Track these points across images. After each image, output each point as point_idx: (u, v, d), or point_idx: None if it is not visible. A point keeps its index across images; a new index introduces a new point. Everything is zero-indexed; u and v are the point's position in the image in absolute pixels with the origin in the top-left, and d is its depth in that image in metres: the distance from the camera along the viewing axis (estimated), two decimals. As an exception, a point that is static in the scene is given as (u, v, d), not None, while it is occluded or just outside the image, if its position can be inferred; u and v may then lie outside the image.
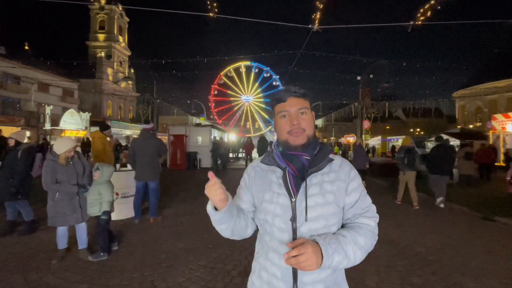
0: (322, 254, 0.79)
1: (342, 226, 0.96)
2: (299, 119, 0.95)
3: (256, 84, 30.78)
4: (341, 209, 0.94)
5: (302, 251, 0.77)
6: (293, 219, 0.90)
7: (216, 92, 29.01)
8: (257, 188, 1.01)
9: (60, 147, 3.06)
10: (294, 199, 0.91)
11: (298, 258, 0.77)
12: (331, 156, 0.98)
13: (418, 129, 49.40)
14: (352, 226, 0.93)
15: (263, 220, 0.96)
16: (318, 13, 6.71)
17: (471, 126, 30.58)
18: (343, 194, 0.94)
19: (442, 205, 6.11)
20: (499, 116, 16.87)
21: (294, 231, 0.89)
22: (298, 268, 0.79)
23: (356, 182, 0.97)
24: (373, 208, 0.98)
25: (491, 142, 15.77)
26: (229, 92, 30.58)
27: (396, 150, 23.31)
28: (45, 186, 3.05)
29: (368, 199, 0.99)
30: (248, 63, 28.59)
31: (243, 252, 3.34)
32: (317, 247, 0.79)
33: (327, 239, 0.83)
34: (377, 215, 0.98)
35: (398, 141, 25.09)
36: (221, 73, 28.55)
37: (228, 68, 28.42)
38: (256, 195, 1.01)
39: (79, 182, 3.20)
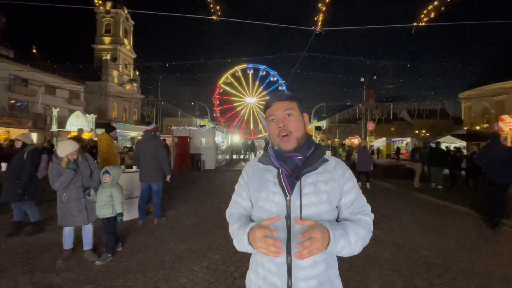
0: (329, 238, 0.83)
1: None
2: (285, 121, 0.99)
3: (256, 84, 30.82)
4: (334, 208, 0.98)
5: (312, 235, 0.80)
6: (288, 217, 0.93)
7: (218, 102, 29.18)
8: (254, 186, 1.05)
9: (62, 150, 3.06)
10: (289, 198, 0.94)
11: (308, 242, 0.79)
12: (326, 156, 1.02)
13: (424, 131, 48.90)
14: (352, 220, 0.97)
15: (259, 217, 0.99)
16: (321, 15, 6.71)
17: (477, 127, 30.17)
18: (337, 194, 0.98)
19: (439, 187, 8.11)
20: (506, 117, 16.62)
21: (289, 228, 0.93)
22: (306, 253, 0.80)
23: (352, 182, 1.01)
24: (369, 207, 1.03)
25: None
26: (231, 98, 30.72)
27: (401, 151, 23.13)
28: (53, 187, 3.11)
29: (364, 199, 1.03)
30: (243, 66, 28.64)
31: (245, 253, 3.31)
32: (325, 231, 0.83)
33: (334, 224, 0.88)
34: (373, 214, 1.02)
35: (402, 142, 24.88)
36: (219, 82, 28.65)
37: (225, 75, 28.53)
38: (253, 193, 1.05)
39: (84, 184, 3.22)
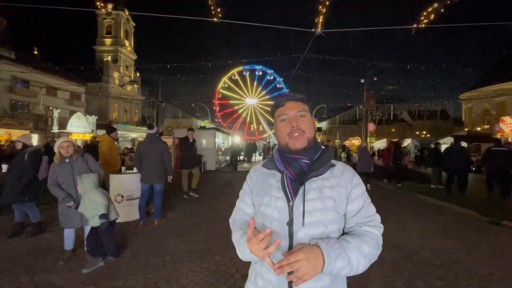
0: (324, 259, 0.76)
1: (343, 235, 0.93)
2: (298, 121, 0.95)
3: (255, 85, 30.88)
4: (341, 216, 0.91)
5: (291, 260, 0.74)
6: (290, 223, 0.88)
7: (219, 108, 29.27)
8: (257, 191, 1.01)
9: (55, 145, 3.11)
10: (292, 203, 0.89)
11: (292, 266, 0.73)
12: (333, 161, 0.97)
13: (424, 132, 48.85)
14: (356, 233, 0.89)
15: (260, 224, 0.94)
16: (321, 17, 6.73)
17: (478, 128, 30.13)
18: (344, 201, 0.92)
19: (439, 187, 8.26)
20: (507, 119, 16.65)
21: (291, 236, 0.87)
22: (295, 277, 0.74)
23: (359, 189, 0.94)
24: (378, 217, 0.94)
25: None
26: (231, 102, 30.80)
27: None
28: (48, 187, 3.12)
29: (373, 208, 0.95)
30: (240, 68, 28.69)
31: (246, 255, 3.32)
32: (317, 252, 0.76)
33: (330, 243, 0.80)
34: (382, 226, 0.94)
35: (403, 144, 24.81)
36: (218, 88, 28.69)
37: (223, 79, 28.58)
38: (256, 199, 1.01)
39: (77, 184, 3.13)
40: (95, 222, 2.97)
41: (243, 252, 0.90)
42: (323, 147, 1.01)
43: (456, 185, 7.42)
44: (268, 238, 0.78)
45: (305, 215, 0.87)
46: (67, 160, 3.11)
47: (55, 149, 3.08)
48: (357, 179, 0.96)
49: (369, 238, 0.87)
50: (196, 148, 7.21)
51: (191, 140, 6.85)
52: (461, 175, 7.35)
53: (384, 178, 9.70)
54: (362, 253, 0.82)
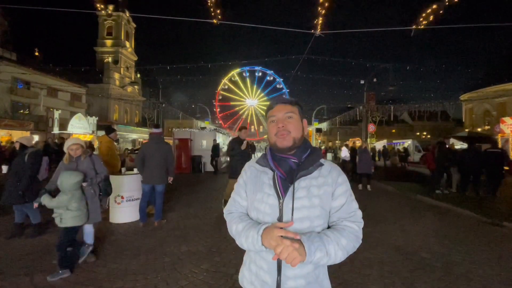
0: (305, 251, 0.84)
1: (328, 227, 1.01)
2: (285, 122, 1.02)
3: (255, 86, 30.96)
4: (327, 212, 1.00)
5: (280, 244, 0.83)
6: (280, 219, 0.96)
7: (220, 109, 29.33)
8: (251, 187, 1.08)
9: (65, 145, 3.19)
10: (282, 201, 0.97)
11: (281, 254, 0.82)
12: (321, 161, 1.04)
13: (425, 133, 48.82)
14: (336, 228, 0.98)
15: (255, 218, 1.03)
16: (321, 18, 6.75)
17: (479, 129, 30.09)
18: (330, 199, 0.99)
19: (438, 191, 7.99)
20: (507, 119, 16.59)
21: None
22: (287, 262, 0.83)
23: (343, 187, 1.02)
24: (359, 213, 1.02)
25: (500, 146, 15.48)
26: (232, 103, 30.87)
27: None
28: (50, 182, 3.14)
29: (355, 205, 1.03)
30: (238, 69, 28.77)
31: (246, 256, 3.31)
32: (300, 243, 0.85)
33: (311, 237, 0.89)
34: (362, 221, 1.02)
35: (404, 144, 24.82)
36: (218, 89, 28.76)
37: (223, 81, 28.66)
38: (249, 194, 1.08)
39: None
40: (58, 221, 2.89)
41: (254, 243, 0.94)
42: (312, 146, 1.09)
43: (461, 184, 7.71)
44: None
45: (294, 212, 0.95)
46: (74, 159, 3.21)
47: (65, 150, 3.18)
48: (342, 178, 1.03)
49: (348, 232, 0.96)
50: (250, 152, 5.83)
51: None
52: (475, 176, 7.68)
53: (436, 188, 7.97)
54: (340, 246, 0.91)
